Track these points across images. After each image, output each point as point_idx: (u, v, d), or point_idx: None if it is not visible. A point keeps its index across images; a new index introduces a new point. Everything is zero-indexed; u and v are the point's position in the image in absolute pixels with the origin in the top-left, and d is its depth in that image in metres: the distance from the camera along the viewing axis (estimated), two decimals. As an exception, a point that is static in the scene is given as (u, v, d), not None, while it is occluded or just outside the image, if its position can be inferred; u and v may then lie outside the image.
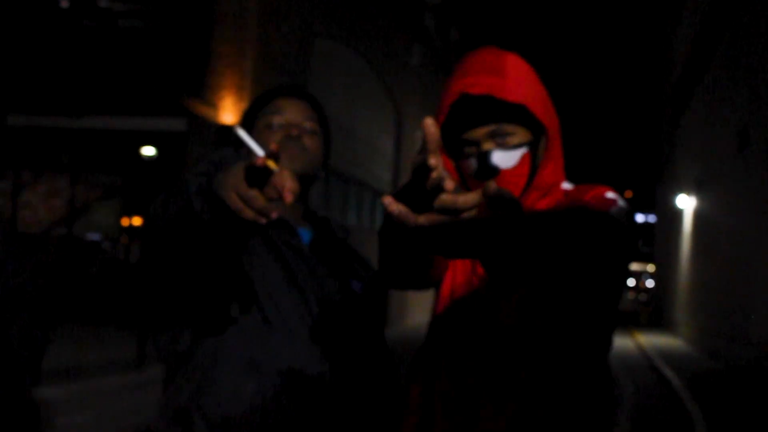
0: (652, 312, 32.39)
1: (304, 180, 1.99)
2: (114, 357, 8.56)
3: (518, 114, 1.70)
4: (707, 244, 17.51)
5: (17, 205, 13.60)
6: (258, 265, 1.85)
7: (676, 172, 24.96)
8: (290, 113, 2.03)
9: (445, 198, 1.14)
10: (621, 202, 1.61)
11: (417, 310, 22.22)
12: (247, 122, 2.07)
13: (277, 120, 2.02)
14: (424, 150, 1.15)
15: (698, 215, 19.28)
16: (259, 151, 1.28)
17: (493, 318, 1.70)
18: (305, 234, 2.02)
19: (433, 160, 1.12)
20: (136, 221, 13.29)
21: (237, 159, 1.48)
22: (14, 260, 2.13)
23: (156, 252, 1.64)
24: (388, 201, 1.16)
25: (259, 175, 1.24)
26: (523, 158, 1.71)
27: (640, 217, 52.70)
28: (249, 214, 1.26)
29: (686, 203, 20.83)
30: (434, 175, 1.14)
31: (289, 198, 1.22)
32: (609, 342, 1.77)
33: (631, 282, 56.07)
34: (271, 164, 1.21)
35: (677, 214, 22.94)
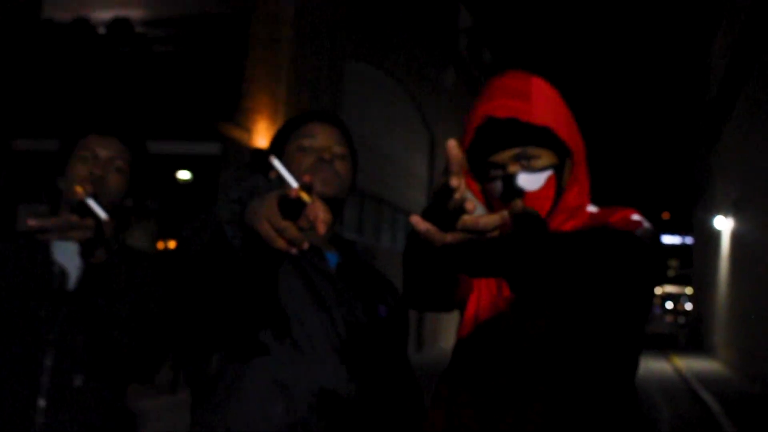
0: (690, 335, 32.00)
1: (334, 204, 2.00)
2: (148, 380, 8.62)
3: (543, 137, 1.70)
4: (746, 265, 17.27)
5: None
6: (286, 288, 1.87)
7: (714, 194, 24.71)
8: (322, 137, 2.05)
9: (467, 219, 1.14)
10: (646, 224, 1.61)
11: (449, 334, 22.15)
12: (277, 145, 2.09)
13: (308, 143, 2.04)
14: (447, 171, 1.15)
15: (736, 237, 19.04)
16: (293, 182, 1.28)
17: (518, 340, 1.70)
18: (332, 258, 2.04)
19: (455, 181, 1.13)
20: (172, 244, 13.39)
21: (269, 186, 1.48)
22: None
23: (187, 277, 1.64)
24: (416, 220, 1.16)
25: (292, 207, 1.25)
26: (548, 181, 1.70)
27: (676, 239, 52.23)
28: (281, 244, 1.27)
29: (724, 225, 20.60)
30: (456, 196, 1.14)
31: (321, 229, 1.24)
32: (635, 363, 1.75)
33: (669, 305, 55.48)
34: (305, 196, 1.21)
35: (715, 236, 22.68)
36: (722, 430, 9.91)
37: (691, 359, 22.23)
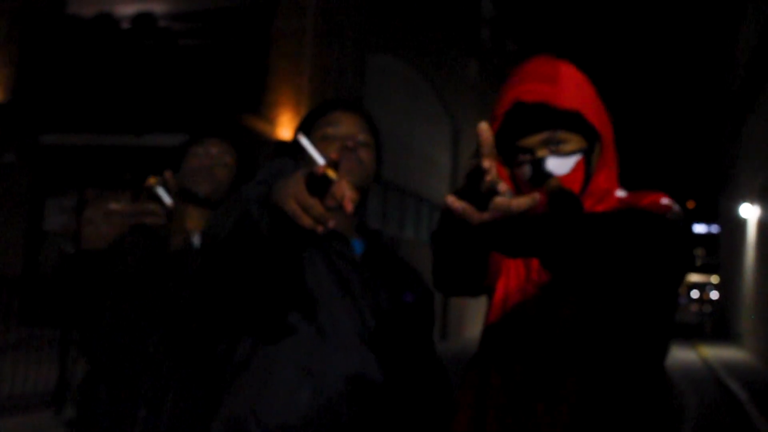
0: (716, 324, 31.75)
1: (358, 192, 2.00)
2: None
3: (572, 121, 1.70)
4: (773, 254, 17.12)
5: (81, 222, 13.83)
6: (312, 275, 1.87)
7: (739, 181, 24.47)
8: (346, 125, 2.06)
9: (499, 201, 1.15)
10: (676, 208, 1.61)
11: (475, 322, 22.13)
12: (303, 132, 2.09)
13: (333, 131, 2.04)
14: (478, 154, 1.17)
15: (763, 224, 18.86)
16: (320, 160, 1.29)
17: (548, 325, 1.70)
18: (358, 245, 2.04)
19: (486, 163, 1.14)
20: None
21: (296, 168, 1.49)
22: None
23: (214, 262, 1.66)
24: (452, 199, 1.17)
25: (318, 184, 1.26)
26: (577, 165, 1.71)
27: (702, 228, 51.73)
28: (307, 221, 1.27)
29: (750, 212, 20.40)
30: (488, 178, 1.16)
31: (349, 207, 1.25)
32: (665, 348, 1.75)
33: (694, 294, 54.99)
34: (331, 173, 1.23)
35: (741, 224, 22.48)
36: (749, 418, 9.85)
37: (717, 348, 22.08)
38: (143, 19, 13.84)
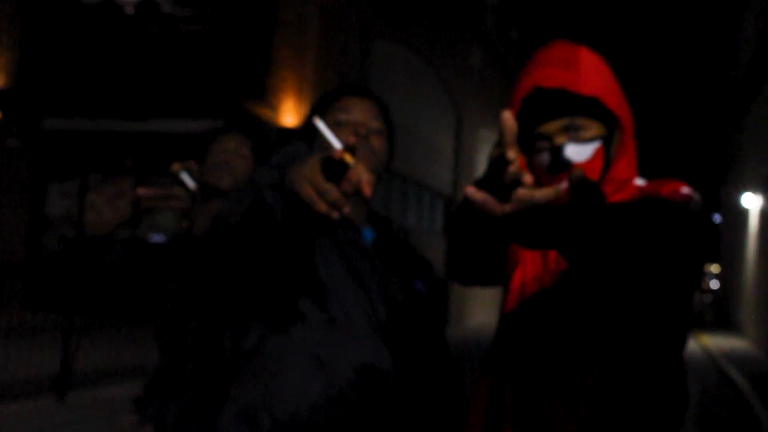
0: (717, 313, 31.73)
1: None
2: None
3: (592, 107, 1.67)
4: (775, 244, 17.08)
5: (83, 207, 13.82)
6: (323, 263, 1.84)
7: (742, 171, 24.41)
8: (358, 112, 2.02)
9: (522, 193, 1.12)
10: (697, 197, 1.58)
11: (476, 310, 22.14)
12: (312, 119, 2.07)
13: (344, 117, 2.00)
14: (501, 143, 1.15)
15: (765, 214, 18.82)
16: (337, 144, 1.27)
17: (566, 316, 1.67)
18: (368, 234, 2.02)
19: (511, 154, 1.12)
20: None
21: (310, 153, 1.46)
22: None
23: (226, 248, 1.64)
24: (472, 190, 1.15)
25: (335, 169, 1.22)
26: (596, 152, 1.68)
27: (704, 217, 51.40)
28: (322, 206, 1.24)
29: (752, 202, 20.36)
30: (512, 168, 1.14)
31: (368, 191, 1.21)
32: (684, 340, 1.73)
33: (695, 283, 54.69)
34: (349, 158, 1.20)
35: (742, 214, 22.45)
36: (750, 407, 9.85)
37: (718, 337, 22.08)
38: (147, 5, 13.79)
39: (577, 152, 1.67)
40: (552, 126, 1.68)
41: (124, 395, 7.50)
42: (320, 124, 1.37)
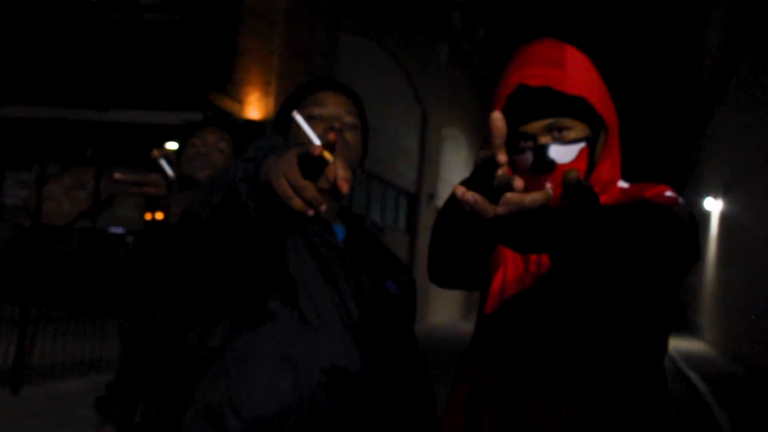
0: (677, 315, 32.17)
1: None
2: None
3: (577, 107, 1.63)
4: (734, 247, 17.31)
5: (42, 197, 13.66)
6: (294, 260, 1.79)
7: (703, 175, 24.73)
8: (332, 106, 1.97)
9: (511, 196, 1.07)
10: (681, 201, 1.55)
11: (438, 309, 22.18)
12: (286, 112, 2.01)
13: (319, 111, 1.95)
14: (489, 145, 1.10)
15: (725, 219, 19.08)
16: (316, 140, 1.21)
17: (547, 318, 1.64)
18: (340, 231, 1.97)
19: (502, 157, 1.06)
20: (159, 215, 13.31)
21: (286, 146, 1.39)
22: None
23: (195, 242, 1.57)
24: (462, 190, 1.09)
25: (312, 165, 1.17)
26: (580, 153, 1.63)
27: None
28: (298, 203, 1.18)
29: (713, 206, 20.63)
30: (501, 172, 1.09)
31: (345, 188, 1.17)
32: (666, 341, 1.71)
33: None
34: (327, 155, 1.14)
35: (703, 217, 22.74)
36: (708, 409, 9.95)
37: (677, 340, 22.35)
38: (110, -8, 13.60)
39: (561, 153, 1.62)
40: (536, 125, 1.64)
41: (81, 389, 7.40)
42: (299, 118, 1.31)
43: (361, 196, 18.25)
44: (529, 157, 1.64)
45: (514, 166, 1.70)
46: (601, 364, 1.60)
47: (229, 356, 1.76)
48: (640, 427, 1.61)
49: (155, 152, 2.33)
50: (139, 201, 13.68)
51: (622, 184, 1.73)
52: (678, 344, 20.52)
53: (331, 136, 1.16)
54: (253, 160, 1.36)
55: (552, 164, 1.61)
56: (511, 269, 1.73)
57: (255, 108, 12.85)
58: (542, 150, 1.62)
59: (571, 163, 1.62)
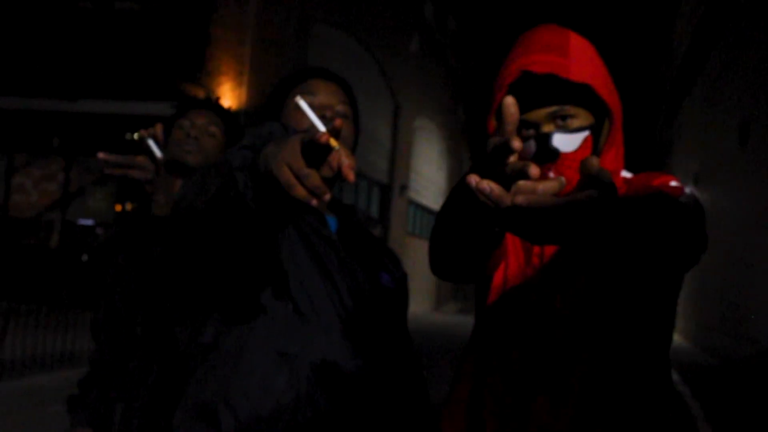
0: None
1: None
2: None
3: (581, 95, 1.59)
4: (704, 239, 17.43)
5: (10, 189, 13.47)
6: (288, 253, 1.74)
7: (673, 167, 24.91)
8: (324, 95, 1.94)
9: (524, 185, 1.04)
10: (687, 190, 1.52)
11: (417, 299, 22.19)
12: (276, 101, 1.97)
13: (310, 100, 1.90)
14: (502, 131, 1.06)
15: (695, 209, 19.16)
16: (321, 126, 1.15)
17: (550, 310, 1.61)
18: (331, 222, 1.92)
19: (516, 143, 1.02)
20: (130, 207, 13.15)
21: (284, 134, 1.34)
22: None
23: (189, 235, 1.51)
24: (476, 179, 1.05)
25: (316, 152, 1.12)
26: (584, 142, 1.59)
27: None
28: (301, 192, 1.12)
29: (683, 198, 20.77)
30: (514, 159, 1.05)
31: (351, 177, 1.12)
32: (670, 334, 1.68)
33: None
34: (334, 142, 1.09)
35: (673, 209, 22.88)
36: (681, 396, 10.01)
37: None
38: (79, -20, 13.41)
39: (565, 142, 1.58)
40: (539, 113, 1.60)
41: (52, 384, 7.29)
42: (303, 104, 1.26)
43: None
44: (531, 146, 1.60)
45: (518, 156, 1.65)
46: (609, 360, 1.57)
47: (222, 352, 1.71)
48: (646, 422, 1.58)
49: (143, 132, 2.15)
50: (109, 191, 13.54)
51: (626, 174, 1.70)
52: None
53: (338, 123, 1.11)
54: (250, 148, 1.31)
55: (556, 153, 1.57)
56: (512, 261, 1.69)
57: (227, 98, 12.72)
58: (546, 138, 1.58)
59: (575, 152, 1.58)
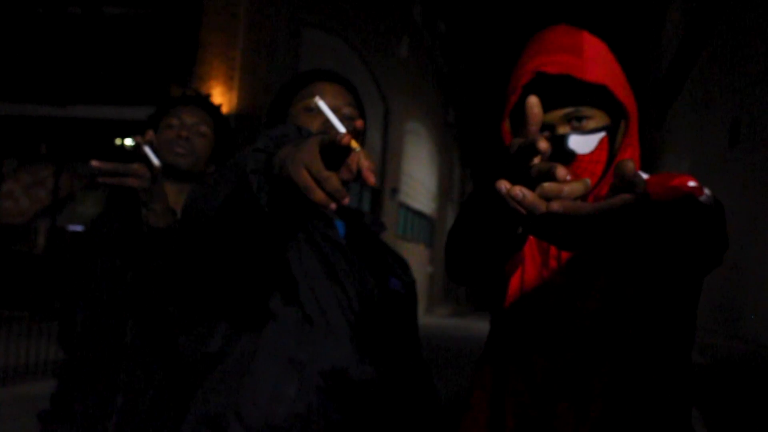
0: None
1: None
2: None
3: (597, 96, 1.57)
4: (695, 239, 17.47)
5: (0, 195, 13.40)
6: (297, 258, 1.71)
7: (663, 168, 24.94)
8: (330, 98, 1.89)
9: (549, 187, 1.01)
10: (707, 191, 1.49)
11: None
12: (281, 105, 1.93)
13: (315, 104, 1.86)
14: (526, 132, 1.03)
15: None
16: (341, 127, 1.12)
17: (571, 312, 1.58)
18: (340, 227, 1.90)
19: (543, 145, 0.99)
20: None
21: (299, 136, 1.31)
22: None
23: (199, 241, 1.47)
24: (507, 185, 1.01)
25: (335, 155, 1.08)
26: (601, 143, 1.57)
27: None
28: (319, 195, 1.08)
29: (673, 198, 20.80)
30: (539, 160, 1.02)
31: (371, 179, 1.08)
32: (693, 335, 1.66)
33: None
34: (355, 144, 1.06)
35: (663, 210, 22.93)
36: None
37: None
38: (69, -15, 13.35)
39: (581, 143, 1.56)
40: (555, 115, 1.57)
41: (45, 392, 7.23)
42: (322, 105, 1.23)
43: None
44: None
45: None
46: (633, 364, 1.54)
47: (230, 360, 1.67)
48: (670, 425, 1.56)
49: (139, 138, 2.01)
50: (100, 197, 13.46)
51: (642, 174, 1.67)
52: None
53: (359, 123, 1.08)
54: (264, 151, 1.27)
55: (572, 155, 1.54)
56: (529, 264, 1.66)
57: (218, 102, 12.68)
58: (561, 140, 1.55)
59: (591, 153, 1.56)
